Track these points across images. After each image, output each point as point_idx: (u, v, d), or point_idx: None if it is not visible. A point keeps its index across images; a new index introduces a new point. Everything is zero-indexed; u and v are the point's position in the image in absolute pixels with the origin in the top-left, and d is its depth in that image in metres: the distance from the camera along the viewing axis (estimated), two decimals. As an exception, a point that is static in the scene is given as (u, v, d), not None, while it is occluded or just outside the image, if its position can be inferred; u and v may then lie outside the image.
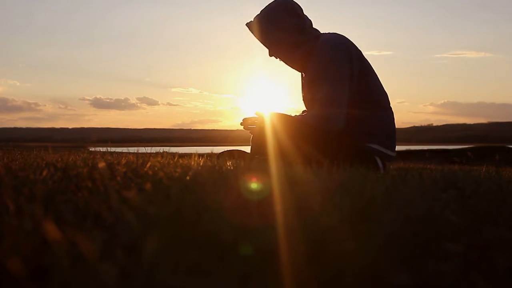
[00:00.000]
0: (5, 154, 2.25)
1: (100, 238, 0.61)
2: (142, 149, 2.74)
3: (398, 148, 2.46)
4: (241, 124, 2.47)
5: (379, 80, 2.38)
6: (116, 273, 0.49)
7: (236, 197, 0.90)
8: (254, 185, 1.03)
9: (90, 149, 3.28)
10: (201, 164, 1.56)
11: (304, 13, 2.39)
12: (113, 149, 3.28)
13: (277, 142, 2.17)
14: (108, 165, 1.34)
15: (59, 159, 1.59)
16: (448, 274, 0.57)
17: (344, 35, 2.36)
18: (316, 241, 0.63)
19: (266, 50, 2.44)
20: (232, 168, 1.55)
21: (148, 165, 1.37)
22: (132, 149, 3.77)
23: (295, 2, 2.37)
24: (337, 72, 2.20)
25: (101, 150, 2.90)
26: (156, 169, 1.30)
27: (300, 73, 2.52)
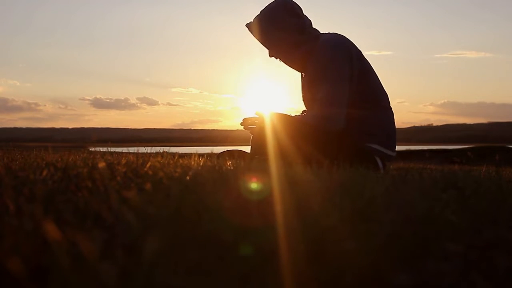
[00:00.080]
0: (5, 154, 2.25)
1: (100, 238, 0.61)
2: (142, 149, 2.74)
3: (398, 148, 2.46)
4: (241, 124, 2.47)
5: (379, 80, 2.38)
6: (116, 273, 0.49)
7: (236, 197, 0.90)
8: (254, 185, 1.03)
9: (90, 149, 3.28)
10: (201, 164, 1.56)
11: (304, 13, 2.40)
12: (113, 149, 3.27)
13: (277, 142, 2.17)
14: (108, 165, 1.34)
15: (59, 159, 1.59)
16: (448, 274, 0.57)
17: (344, 35, 2.36)
18: (316, 241, 0.63)
19: (266, 50, 2.44)
20: (232, 168, 1.55)
21: (148, 165, 1.37)
22: (132, 149, 3.77)
23: (295, 2, 2.38)
24: (337, 72, 2.20)
25: (101, 150, 2.90)
26: (156, 169, 1.30)
27: (300, 74, 2.52)
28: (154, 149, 2.54)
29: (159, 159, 1.75)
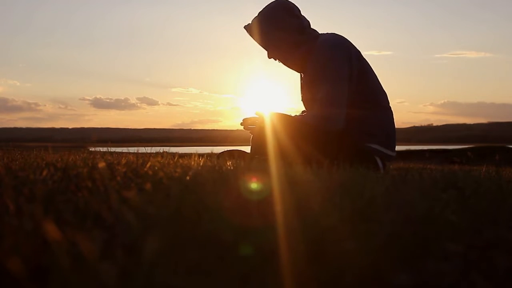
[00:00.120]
0: (5, 154, 2.25)
1: (100, 238, 0.61)
2: (142, 149, 2.74)
3: (398, 148, 2.46)
4: (241, 124, 2.47)
5: (378, 80, 2.38)
6: (116, 273, 0.49)
7: (236, 197, 0.90)
8: (254, 185, 1.03)
9: (90, 149, 3.28)
10: (201, 164, 1.56)
11: (302, 14, 2.41)
12: (113, 149, 3.28)
13: (277, 142, 2.17)
14: (108, 165, 1.34)
15: (59, 159, 1.59)
16: (448, 274, 0.57)
17: (344, 35, 2.36)
18: (316, 241, 0.63)
19: (266, 51, 2.44)
20: (232, 168, 1.55)
21: (148, 165, 1.37)
22: (132, 149, 3.77)
23: (293, 3, 2.39)
24: (337, 72, 2.20)
25: (101, 150, 2.90)
26: (156, 169, 1.30)
27: (299, 74, 2.53)
28: (154, 149, 2.54)
29: (159, 159, 1.75)
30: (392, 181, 1.38)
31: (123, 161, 1.51)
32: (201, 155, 2.12)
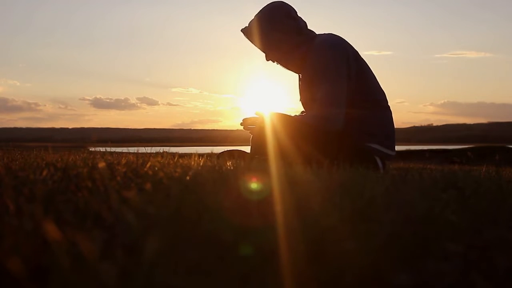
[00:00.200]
0: (5, 154, 2.25)
1: (100, 238, 0.61)
2: (142, 149, 2.74)
3: (398, 148, 2.46)
4: (241, 124, 2.48)
5: (377, 80, 2.39)
6: (116, 273, 0.49)
7: (236, 197, 0.90)
8: (254, 185, 1.03)
9: (90, 149, 3.28)
10: (201, 164, 1.56)
11: (298, 15, 2.43)
12: (113, 149, 3.28)
13: (277, 142, 2.17)
14: (108, 165, 1.34)
15: (59, 159, 1.59)
16: (448, 274, 0.57)
17: (344, 35, 2.37)
18: (316, 241, 0.63)
19: (266, 50, 2.45)
20: (232, 168, 1.55)
21: (148, 165, 1.37)
22: (132, 149, 3.77)
23: (290, 5, 2.41)
24: (335, 72, 2.21)
25: (101, 150, 2.90)
26: (156, 169, 1.30)
27: (297, 75, 2.53)
28: (154, 149, 2.54)
29: (159, 159, 1.75)
30: (392, 181, 1.38)
31: (123, 161, 1.51)
32: (201, 155, 2.12)
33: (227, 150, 2.57)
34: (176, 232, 0.65)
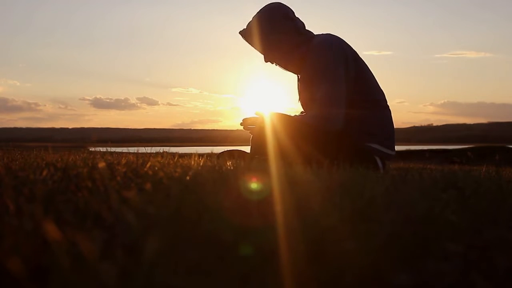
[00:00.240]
0: (5, 154, 2.25)
1: (100, 238, 0.61)
2: (142, 149, 2.74)
3: (398, 148, 2.46)
4: (241, 124, 2.48)
5: (375, 79, 2.40)
6: (116, 273, 0.49)
7: (236, 197, 0.90)
8: (254, 185, 1.03)
9: (90, 149, 3.28)
10: (201, 164, 1.56)
11: (296, 16, 2.44)
12: (113, 149, 3.28)
13: (277, 142, 2.17)
14: (108, 165, 1.34)
15: (59, 159, 1.59)
16: (448, 274, 0.57)
17: (344, 35, 2.38)
18: (316, 241, 0.63)
19: (266, 49, 2.45)
20: (232, 168, 1.55)
21: (148, 165, 1.37)
22: (132, 149, 3.77)
23: (287, 6, 2.43)
24: (334, 72, 2.21)
25: (101, 150, 2.90)
26: (156, 169, 1.30)
27: (296, 76, 2.54)
28: (154, 149, 2.54)
29: (159, 159, 1.75)
30: (392, 181, 1.38)
31: (123, 161, 1.51)
32: (201, 155, 2.12)
33: (227, 150, 2.57)
34: (176, 232, 0.65)
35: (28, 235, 0.60)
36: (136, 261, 0.53)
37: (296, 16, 2.45)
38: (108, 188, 0.97)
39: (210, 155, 2.33)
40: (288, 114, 2.38)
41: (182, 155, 2.40)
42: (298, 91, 2.49)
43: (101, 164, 1.28)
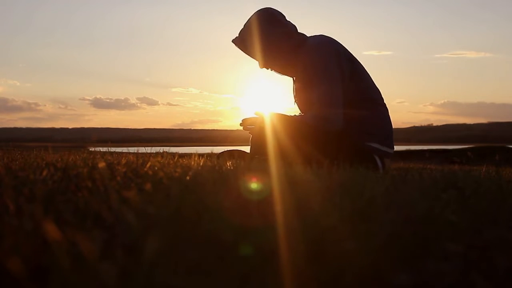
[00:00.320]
0: (5, 154, 2.25)
1: (100, 238, 0.61)
2: (142, 149, 2.74)
3: (398, 148, 2.47)
4: (241, 124, 2.48)
5: (371, 79, 2.40)
6: (116, 273, 0.49)
7: (236, 197, 0.90)
8: (254, 185, 1.03)
9: (90, 149, 3.28)
10: (201, 164, 1.56)
11: (287, 19, 2.42)
12: (113, 149, 3.28)
13: (277, 142, 2.17)
14: (108, 165, 1.34)
15: (59, 159, 1.59)
16: (448, 274, 0.57)
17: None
18: (316, 241, 0.63)
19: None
20: (232, 168, 1.55)
21: (148, 165, 1.37)
22: (132, 149, 3.77)
23: (274, 10, 2.41)
24: (329, 72, 2.22)
25: (101, 150, 2.90)
26: (156, 169, 1.30)
27: (291, 78, 2.54)
28: (154, 149, 2.54)
29: (159, 159, 1.75)
30: (392, 181, 1.38)
31: (123, 161, 1.51)
32: (201, 155, 2.12)
33: (227, 150, 2.57)
34: (176, 232, 0.65)
35: (28, 235, 0.60)
36: (136, 261, 0.53)
37: (288, 20, 2.45)
38: (108, 188, 0.97)
39: (210, 155, 2.33)
40: (288, 114, 2.38)
41: (182, 155, 2.40)
42: (294, 93, 2.50)
43: (101, 164, 1.28)
